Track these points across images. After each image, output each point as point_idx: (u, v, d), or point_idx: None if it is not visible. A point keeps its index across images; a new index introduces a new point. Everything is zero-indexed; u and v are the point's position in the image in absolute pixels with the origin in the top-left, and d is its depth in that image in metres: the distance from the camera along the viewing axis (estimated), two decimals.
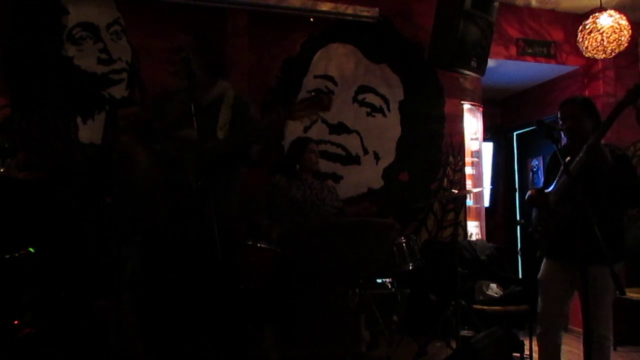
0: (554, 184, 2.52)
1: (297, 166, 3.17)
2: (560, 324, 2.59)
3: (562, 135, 2.57)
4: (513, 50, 4.48)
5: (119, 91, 3.48)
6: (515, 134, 5.92)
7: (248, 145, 2.11)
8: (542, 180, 2.86)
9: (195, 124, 1.81)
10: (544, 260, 2.63)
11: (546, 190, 2.58)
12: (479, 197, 4.58)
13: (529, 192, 2.69)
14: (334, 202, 3.21)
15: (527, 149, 5.77)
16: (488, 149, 5.68)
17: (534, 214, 2.68)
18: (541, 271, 2.63)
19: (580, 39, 4.02)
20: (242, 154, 2.12)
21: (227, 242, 2.08)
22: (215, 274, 1.80)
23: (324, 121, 3.92)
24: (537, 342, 2.64)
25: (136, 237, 2.13)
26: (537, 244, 2.66)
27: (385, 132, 4.11)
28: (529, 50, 4.52)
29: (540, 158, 5.53)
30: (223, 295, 1.85)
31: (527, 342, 3.32)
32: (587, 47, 4.00)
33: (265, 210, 3.14)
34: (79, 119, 3.38)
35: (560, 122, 2.53)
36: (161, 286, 2.00)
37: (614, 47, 3.92)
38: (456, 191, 3.68)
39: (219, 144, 2.04)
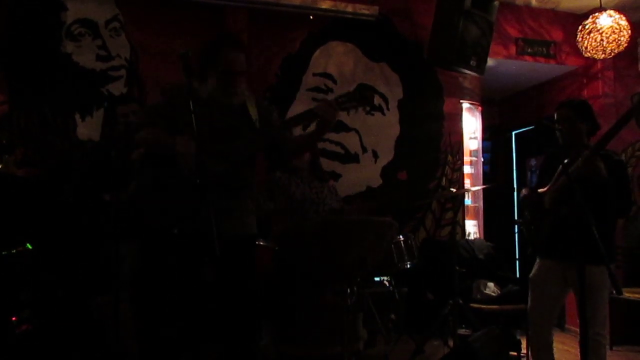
0: (550, 183, 2.53)
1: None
2: (552, 323, 2.60)
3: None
4: (512, 50, 4.48)
5: (117, 88, 3.48)
6: (514, 133, 5.93)
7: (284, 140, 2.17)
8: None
9: (193, 121, 1.80)
10: (537, 260, 2.63)
11: (540, 190, 2.58)
12: (477, 196, 4.59)
13: (522, 192, 2.70)
14: (334, 202, 3.21)
15: (526, 148, 5.78)
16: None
17: (526, 212, 2.69)
18: (534, 270, 2.63)
19: (580, 39, 4.02)
20: (275, 147, 2.18)
21: (250, 242, 2.11)
22: (213, 273, 1.80)
23: None
24: (529, 342, 2.64)
25: (140, 234, 2.13)
26: (528, 242, 2.68)
27: (384, 130, 4.11)
28: (529, 50, 4.52)
29: (539, 158, 5.53)
30: (221, 294, 1.85)
31: (524, 341, 3.33)
32: (586, 47, 4.00)
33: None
34: (77, 116, 3.37)
35: (556, 124, 2.56)
36: (159, 284, 2.00)
37: (613, 48, 3.93)
38: (455, 190, 3.68)
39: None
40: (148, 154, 2.07)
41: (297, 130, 2.29)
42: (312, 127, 2.22)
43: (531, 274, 2.64)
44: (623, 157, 4.10)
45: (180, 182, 1.95)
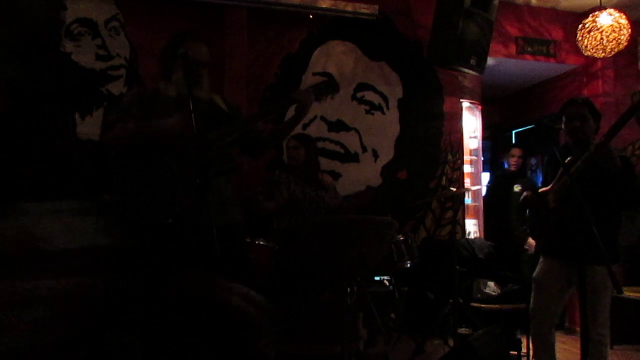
0: (552, 183, 2.53)
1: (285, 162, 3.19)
2: (554, 322, 2.60)
3: (561, 135, 2.59)
4: (512, 49, 4.48)
5: (117, 87, 3.47)
6: (514, 132, 5.92)
7: (256, 131, 2.25)
8: (540, 178, 2.86)
9: (193, 120, 1.80)
10: (541, 259, 2.63)
11: (543, 189, 2.58)
12: (477, 195, 4.58)
13: (524, 195, 2.69)
14: (333, 200, 3.21)
15: (526, 147, 5.77)
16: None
17: (528, 213, 2.69)
18: (537, 269, 2.63)
19: (580, 38, 4.02)
20: (251, 139, 2.23)
21: (232, 237, 2.11)
22: (213, 271, 1.80)
23: (323, 118, 3.92)
24: (532, 341, 2.64)
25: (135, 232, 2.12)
26: (533, 238, 2.67)
27: (384, 130, 4.10)
28: (529, 49, 4.51)
29: (539, 157, 5.53)
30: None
31: (524, 340, 3.33)
32: (586, 46, 3.99)
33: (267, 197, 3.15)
34: (77, 115, 3.37)
35: (565, 122, 2.53)
36: (159, 283, 2.00)
37: (613, 46, 3.92)
38: (455, 189, 3.68)
39: (235, 126, 2.12)
40: (124, 152, 2.04)
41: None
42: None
43: (535, 273, 2.64)
44: None
45: (160, 175, 1.95)
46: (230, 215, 2.08)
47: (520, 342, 3.33)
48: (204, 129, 2.01)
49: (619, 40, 3.89)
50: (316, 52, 3.98)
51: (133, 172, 2.01)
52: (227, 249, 1.85)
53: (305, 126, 3.86)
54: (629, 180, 2.33)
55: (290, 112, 2.25)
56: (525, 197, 2.67)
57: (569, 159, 2.42)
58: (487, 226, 4.45)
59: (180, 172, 1.96)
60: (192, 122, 1.79)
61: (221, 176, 2.06)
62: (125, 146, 2.04)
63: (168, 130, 1.96)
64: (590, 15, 3.98)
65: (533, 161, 5.64)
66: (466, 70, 3.89)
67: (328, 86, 2.19)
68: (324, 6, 3.78)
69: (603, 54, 4.01)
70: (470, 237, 4.35)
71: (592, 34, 3.93)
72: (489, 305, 3.51)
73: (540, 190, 2.60)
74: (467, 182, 4.43)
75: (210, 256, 1.72)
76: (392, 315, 3.38)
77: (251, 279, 2.13)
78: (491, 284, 3.79)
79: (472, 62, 3.71)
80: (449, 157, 4.25)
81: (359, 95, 4.05)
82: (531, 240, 3.68)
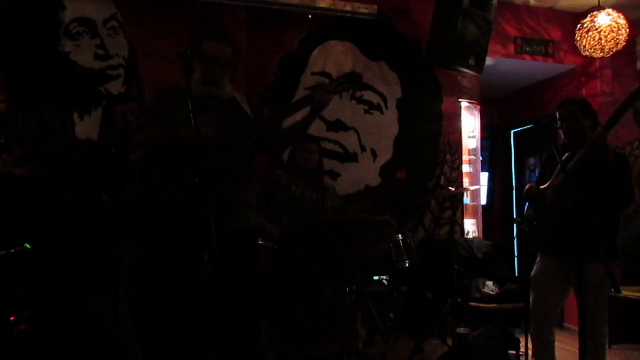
0: (550, 180, 2.53)
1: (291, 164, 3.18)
2: (554, 321, 2.60)
3: (560, 134, 2.60)
4: (511, 49, 4.49)
5: (116, 87, 3.47)
6: (512, 132, 5.93)
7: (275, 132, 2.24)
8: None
9: (192, 120, 1.80)
10: (539, 258, 2.63)
11: (542, 187, 2.59)
12: (476, 195, 4.59)
13: (528, 186, 2.68)
14: (334, 202, 3.21)
15: (525, 147, 5.78)
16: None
17: (527, 210, 2.69)
18: (535, 269, 2.63)
19: (579, 38, 4.02)
20: (270, 138, 2.23)
21: (251, 234, 2.15)
22: (213, 270, 1.80)
23: (322, 118, 3.92)
24: (531, 340, 2.65)
25: (139, 233, 2.14)
26: (532, 241, 2.67)
27: (383, 129, 4.11)
28: (527, 49, 4.52)
29: (538, 156, 5.54)
30: (222, 290, 1.86)
31: (522, 340, 3.34)
32: (585, 46, 4.00)
33: (264, 208, 3.13)
34: (76, 115, 3.37)
35: (559, 122, 2.56)
36: (159, 283, 2.00)
37: (612, 46, 3.93)
38: (453, 189, 3.68)
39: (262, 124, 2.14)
40: (147, 154, 2.08)
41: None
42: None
43: (533, 272, 2.64)
44: None
45: (180, 180, 1.96)
46: (243, 220, 2.10)
47: (519, 342, 3.33)
48: (224, 131, 2.02)
49: (618, 41, 3.90)
50: (315, 52, 3.98)
51: (147, 176, 2.04)
52: (237, 254, 1.87)
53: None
54: (618, 180, 2.34)
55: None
56: (529, 189, 2.66)
57: (566, 155, 2.44)
58: None
59: (186, 177, 1.96)
60: (192, 122, 1.79)
61: (238, 180, 2.05)
62: (149, 149, 2.07)
63: (183, 140, 1.96)
64: (589, 15, 3.99)
65: (532, 161, 5.65)
66: (465, 70, 3.90)
67: (349, 80, 2.19)
68: (323, 6, 3.78)
69: (602, 54, 4.02)
70: (469, 237, 4.35)
71: (590, 34, 3.94)
72: (487, 305, 3.51)
73: (540, 187, 2.61)
74: (466, 182, 4.43)
75: (208, 259, 1.72)
76: (391, 315, 3.39)
77: (252, 287, 2.12)
78: (490, 283, 3.80)
79: (471, 62, 3.72)
80: (448, 157, 4.25)
81: (358, 95, 4.05)
82: None
